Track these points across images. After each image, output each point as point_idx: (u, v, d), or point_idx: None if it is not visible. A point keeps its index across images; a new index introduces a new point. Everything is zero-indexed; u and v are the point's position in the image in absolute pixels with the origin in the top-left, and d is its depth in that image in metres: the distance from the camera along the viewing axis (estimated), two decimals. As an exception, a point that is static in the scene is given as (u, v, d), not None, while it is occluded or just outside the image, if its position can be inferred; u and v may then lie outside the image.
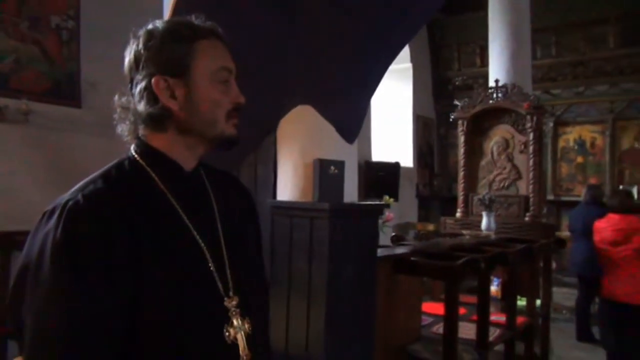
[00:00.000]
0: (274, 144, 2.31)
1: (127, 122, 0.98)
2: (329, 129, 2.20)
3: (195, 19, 0.97)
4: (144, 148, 0.97)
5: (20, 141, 3.49)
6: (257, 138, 2.34)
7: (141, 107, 0.94)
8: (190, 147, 0.97)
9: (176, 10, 2.05)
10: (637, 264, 3.90)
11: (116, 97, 0.98)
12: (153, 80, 0.92)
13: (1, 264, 3.25)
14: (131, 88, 0.97)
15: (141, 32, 0.95)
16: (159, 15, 3.58)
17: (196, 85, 0.94)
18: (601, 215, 4.41)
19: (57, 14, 3.71)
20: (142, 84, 0.93)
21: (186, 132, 0.96)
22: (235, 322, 0.94)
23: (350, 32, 2.08)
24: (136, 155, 0.97)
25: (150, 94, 0.93)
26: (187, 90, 0.93)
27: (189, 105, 0.94)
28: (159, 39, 0.93)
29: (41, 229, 0.85)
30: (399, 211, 7.04)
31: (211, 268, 0.94)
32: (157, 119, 0.94)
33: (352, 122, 2.28)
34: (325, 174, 2.13)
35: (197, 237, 0.94)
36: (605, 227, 4.17)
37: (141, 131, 0.97)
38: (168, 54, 0.92)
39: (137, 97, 0.95)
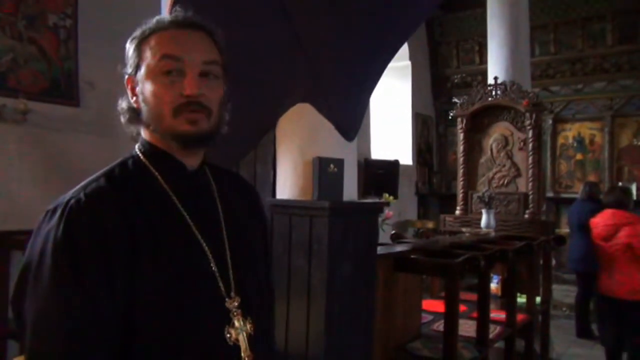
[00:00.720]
0: (273, 142, 2.30)
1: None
2: (328, 127, 2.20)
3: (172, 13, 0.97)
4: (147, 147, 0.97)
5: (18, 140, 3.48)
6: (256, 136, 2.33)
7: (119, 102, 0.99)
8: (168, 145, 0.96)
9: (173, 9, 2.04)
10: (626, 258, 3.88)
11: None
12: (125, 78, 0.98)
13: (0, 263, 3.24)
14: None
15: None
16: (157, 14, 3.56)
17: (142, 81, 0.94)
18: (595, 211, 4.43)
19: (54, 13, 3.69)
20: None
21: (149, 128, 0.97)
22: (236, 323, 0.94)
23: (349, 30, 2.07)
24: (140, 154, 0.97)
25: (126, 92, 0.98)
26: (139, 87, 0.95)
27: (141, 102, 0.95)
28: (130, 39, 0.97)
29: (43, 227, 0.85)
30: (398, 209, 7.04)
31: (213, 268, 0.93)
32: (125, 115, 0.98)
33: (352, 120, 2.28)
34: (325, 172, 2.12)
35: (199, 236, 0.93)
36: (598, 222, 4.19)
37: (137, 129, 1.00)
38: (128, 53, 0.97)
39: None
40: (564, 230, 6.53)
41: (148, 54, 0.93)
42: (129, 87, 0.97)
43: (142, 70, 0.94)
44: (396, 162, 7.46)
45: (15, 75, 3.47)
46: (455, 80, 8.97)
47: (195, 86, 0.90)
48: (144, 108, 0.95)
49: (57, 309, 0.80)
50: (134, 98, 0.96)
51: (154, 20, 0.97)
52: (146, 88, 0.93)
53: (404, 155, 8.42)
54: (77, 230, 0.82)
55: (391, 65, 2.42)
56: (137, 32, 0.97)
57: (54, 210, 0.85)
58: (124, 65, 0.98)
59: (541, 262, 3.82)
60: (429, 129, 9.14)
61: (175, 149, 0.96)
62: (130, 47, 0.96)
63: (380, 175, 6.97)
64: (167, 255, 0.88)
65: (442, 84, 9.14)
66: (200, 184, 1.00)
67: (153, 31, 0.95)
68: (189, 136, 0.92)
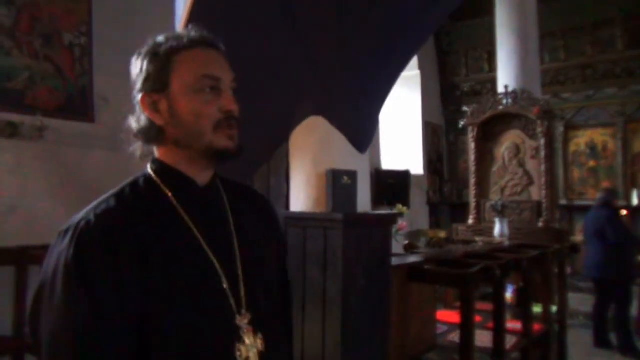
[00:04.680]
0: (287, 155, 2.32)
1: (136, 141, 1.00)
2: (341, 140, 2.21)
3: (188, 30, 0.97)
4: (158, 165, 0.98)
5: (35, 156, 3.54)
6: (269, 149, 2.36)
7: (134, 122, 0.97)
8: (192, 160, 0.97)
9: (187, 26, 2.07)
10: None
11: (130, 117, 1.00)
12: (140, 97, 0.95)
13: (17, 278, 3.28)
14: None
15: (138, 50, 0.99)
16: (171, 30, 3.62)
17: (176, 98, 0.94)
18: (612, 218, 4.37)
19: (69, 31, 3.77)
20: (135, 101, 0.97)
21: (179, 145, 0.96)
22: (247, 340, 0.93)
23: (360, 42, 2.09)
24: (151, 172, 0.98)
25: (140, 110, 0.96)
26: (170, 104, 0.94)
27: (173, 119, 0.94)
28: (142, 57, 0.96)
29: (55, 248, 0.87)
30: (410, 218, 7.02)
31: (224, 285, 0.93)
32: (148, 134, 0.96)
33: (364, 132, 2.29)
34: (338, 184, 2.14)
35: (210, 253, 0.94)
36: None
37: (150, 148, 1.00)
38: (148, 71, 0.95)
39: (135, 114, 0.98)
40: (578, 237, 6.46)
41: (183, 72, 0.94)
42: (147, 104, 0.95)
43: (175, 88, 0.94)
44: (407, 172, 7.45)
45: (32, 92, 3.54)
46: (465, 89, 8.97)
47: (233, 102, 0.96)
48: (176, 125, 0.95)
49: (70, 329, 0.82)
50: (156, 115, 0.95)
51: (173, 36, 0.96)
52: (182, 105, 0.94)
53: (415, 164, 8.40)
54: (88, 251, 0.84)
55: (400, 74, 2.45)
56: (152, 49, 0.95)
57: (66, 231, 0.87)
58: (135, 82, 0.97)
59: (556, 270, 3.78)
60: (439, 137, 9.13)
61: (191, 165, 0.97)
62: (147, 63, 0.95)
63: (392, 186, 6.97)
64: (177, 274, 0.89)
65: (451, 92, 9.15)
66: (211, 200, 1.01)
67: (180, 48, 0.95)
68: (229, 152, 0.96)
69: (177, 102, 0.94)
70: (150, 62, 0.95)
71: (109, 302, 0.83)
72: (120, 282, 0.84)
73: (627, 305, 4.94)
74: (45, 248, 0.92)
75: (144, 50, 0.96)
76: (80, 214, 0.89)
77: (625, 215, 5.35)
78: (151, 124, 0.95)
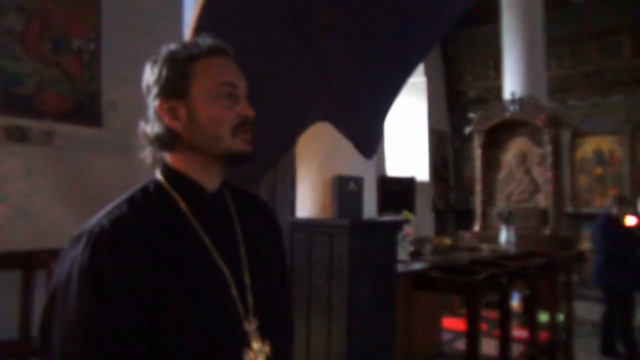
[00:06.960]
0: (293, 161, 2.32)
1: (148, 147, 1.00)
2: (347, 146, 2.22)
3: (202, 38, 0.99)
4: (168, 171, 0.99)
5: (43, 161, 3.56)
6: (276, 155, 2.36)
7: (149, 129, 0.98)
8: (205, 166, 0.98)
9: (195, 32, 2.09)
10: None
11: (142, 123, 1.00)
12: (157, 103, 0.96)
13: (24, 282, 3.30)
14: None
15: (151, 58, 0.99)
16: (179, 37, 3.66)
17: (196, 104, 0.95)
18: (603, 225, 4.34)
19: (78, 37, 3.81)
20: (151, 108, 0.97)
21: (195, 150, 0.97)
22: (255, 346, 0.94)
23: (366, 48, 2.10)
24: (161, 178, 0.98)
25: (157, 117, 0.96)
26: (189, 110, 0.95)
27: (192, 124, 0.95)
28: (159, 63, 0.96)
29: (69, 253, 0.87)
30: (415, 225, 7.00)
31: (232, 291, 0.95)
32: (164, 140, 0.96)
33: (370, 138, 2.30)
34: (345, 190, 2.14)
35: (218, 259, 0.95)
36: None
37: (161, 154, 1.00)
38: (166, 78, 0.95)
39: (149, 120, 0.98)
40: (585, 245, 6.42)
41: (203, 79, 0.96)
42: (165, 110, 0.96)
43: (195, 94, 0.95)
44: (412, 179, 7.44)
45: (40, 97, 3.57)
46: (471, 96, 8.97)
47: (250, 108, 0.98)
48: (195, 130, 0.95)
49: (83, 334, 0.82)
50: (174, 121, 0.96)
51: (191, 43, 0.98)
52: (202, 111, 0.95)
53: (420, 170, 8.39)
54: (102, 257, 0.84)
55: (407, 81, 2.45)
56: (170, 56, 0.96)
57: (79, 237, 0.88)
58: (149, 87, 0.97)
59: (563, 278, 3.76)
60: (444, 144, 9.12)
61: (204, 170, 0.98)
62: (165, 70, 0.95)
63: (397, 192, 6.95)
64: (188, 281, 0.90)
65: (457, 99, 9.14)
66: (219, 206, 1.02)
67: (199, 56, 0.96)
68: (246, 155, 0.98)
69: (197, 108, 0.95)
70: (169, 69, 0.95)
71: (123, 308, 0.83)
72: (134, 288, 0.84)
73: (629, 313, 4.88)
74: (52, 252, 0.92)
75: (160, 57, 0.97)
76: (94, 220, 0.89)
77: (635, 224, 5.29)
78: (168, 129, 0.96)
